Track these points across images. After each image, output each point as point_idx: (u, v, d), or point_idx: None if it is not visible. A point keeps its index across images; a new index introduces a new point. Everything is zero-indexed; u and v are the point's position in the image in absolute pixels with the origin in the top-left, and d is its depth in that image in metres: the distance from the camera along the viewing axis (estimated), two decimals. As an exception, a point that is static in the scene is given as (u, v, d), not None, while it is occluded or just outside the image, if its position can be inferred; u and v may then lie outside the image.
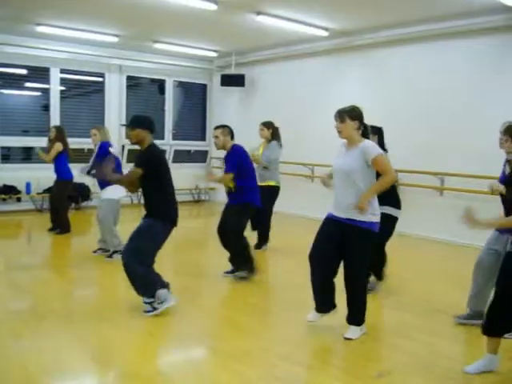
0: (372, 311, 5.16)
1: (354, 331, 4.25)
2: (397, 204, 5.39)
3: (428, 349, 4.14)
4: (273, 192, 7.22)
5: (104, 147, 6.78)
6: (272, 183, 7.21)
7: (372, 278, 5.45)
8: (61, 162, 8.17)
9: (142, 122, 4.72)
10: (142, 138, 4.67)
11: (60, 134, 8.19)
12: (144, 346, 4.13)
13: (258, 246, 7.38)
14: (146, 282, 4.64)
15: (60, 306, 5.08)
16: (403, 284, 5.82)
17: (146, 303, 4.66)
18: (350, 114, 4.11)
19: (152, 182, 4.64)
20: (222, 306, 5.27)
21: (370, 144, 4.15)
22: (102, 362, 3.80)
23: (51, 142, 8.17)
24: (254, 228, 7.32)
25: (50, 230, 8.38)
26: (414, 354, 4.04)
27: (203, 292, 5.65)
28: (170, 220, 4.76)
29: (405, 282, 5.90)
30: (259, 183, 7.01)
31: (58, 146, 8.08)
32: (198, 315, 4.85)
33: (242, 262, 5.93)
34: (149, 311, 4.66)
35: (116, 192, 6.43)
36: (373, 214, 4.10)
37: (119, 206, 6.76)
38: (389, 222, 5.13)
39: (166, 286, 4.73)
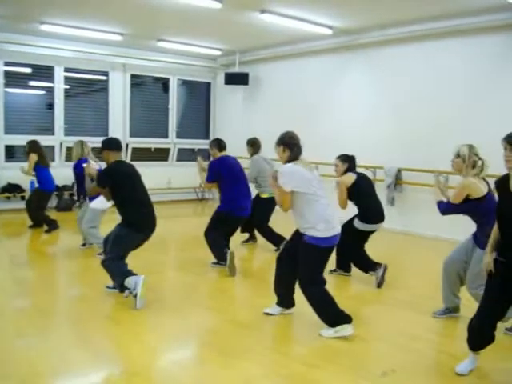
0: (377, 310, 5.17)
1: (326, 330, 4.28)
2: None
3: (433, 347, 4.14)
4: (264, 203, 7.27)
5: (78, 166, 7.01)
6: (265, 195, 7.30)
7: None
8: (41, 173, 8.33)
9: (103, 143, 5.27)
10: (106, 158, 5.20)
11: (33, 147, 8.36)
12: (147, 344, 4.13)
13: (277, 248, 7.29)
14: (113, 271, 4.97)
15: (63, 303, 5.11)
16: (407, 282, 5.82)
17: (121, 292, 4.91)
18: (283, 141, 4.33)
19: (117, 195, 5.04)
20: (225, 304, 5.26)
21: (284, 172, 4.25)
22: (105, 359, 3.82)
23: (27, 155, 8.38)
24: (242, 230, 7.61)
25: (31, 226, 8.65)
26: (419, 352, 4.04)
27: (206, 290, 5.66)
28: (137, 229, 5.01)
29: (409, 280, 5.90)
30: (259, 195, 7.38)
31: (33, 157, 8.25)
32: (202, 313, 4.86)
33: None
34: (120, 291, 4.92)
35: (103, 203, 6.55)
36: (314, 228, 4.17)
37: (102, 214, 6.87)
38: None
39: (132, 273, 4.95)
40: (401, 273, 5.74)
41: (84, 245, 7.24)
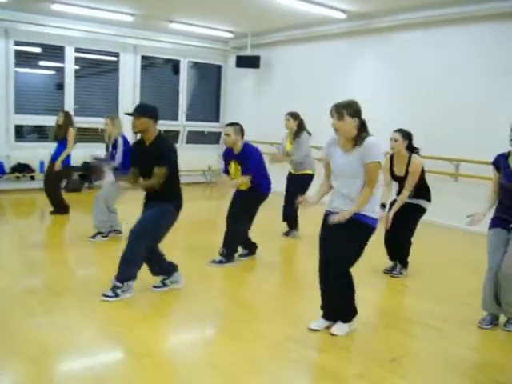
0: (387, 298, 5.17)
1: (341, 328, 4.05)
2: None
3: (441, 335, 4.13)
4: (309, 180, 7.12)
5: (127, 141, 6.62)
6: (309, 172, 7.12)
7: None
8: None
9: (147, 110, 4.60)
10: (146, 127, 4.57)
11: (69, 119, 8.12)
12: (155, 325, 4.14)
13: (287, 233, 7.38)
14: (130, 270, 4.58)
15: (73, 283, 5.12)
16: (417, 271, 5.80)
17: (113, 287, 4.57)
18: (349, 111, 3.82)
19: (170, 172, 4.56)
20: (233, 288, 5.28)
21: (376, 144, 3.84)
22: (115, 340, 3.83)
23: (60, 127, 8.05)
24: (284, 219, 7.38)
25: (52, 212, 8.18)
26: (428, 340, 4.04)
27: (215, 273, 5.65)
28: (180, 207, 4.73)
29: (419, 268, 5.87)
30: (296, 173, 7.16)
31: (72, 132, 7.99)
32: (210, 296, 4.86)
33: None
34: (156, 287, 4.78)
35: None
36: (372, 208, 3.90)
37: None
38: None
39: (176, 268, 4.88)
40: (411, 261, 5.70)
41: (116, 231, 6.88)
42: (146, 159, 4.59)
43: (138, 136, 4.76)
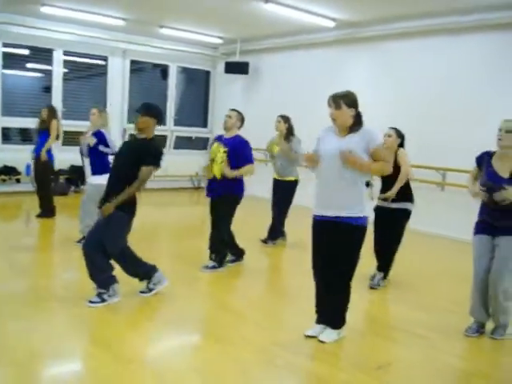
0: (375, 306, 5.19)
1: (329, 335, 4.01)
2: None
3: (428, 343, 4.15)
4: (293, 186, 7.07)
5: (100, 135, 6.53)
6: (293, 178, 7.06)
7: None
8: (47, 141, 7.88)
9: (150, 109, 4.68)
10: (147, 125, 4.61)
11: (53, 113, 8.02)
12: (142, 331, 4.12)
13: (266, 240, 7.21)
14: (105, 277, 4.55)
15: (59, 288, 5.09)
16: (405, 279, 5.82)
17: (98, 293, 4.53)
18: (346, 100, 3.91)
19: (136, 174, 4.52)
20: (221, 293, 5.26)
21: (373, 129, 3.98)
22: (101, 345, 3.79)
23: (44, 122, 7.93)
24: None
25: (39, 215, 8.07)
26: (414, 348, 4.06)
27: (203, 278, 5.63)
28: (134, 215, 4.64)
29: (407, 277, 5.90)
30: (280, 179, 7.11)
31: (55, 123, 7.87)
32: (197, 301, 4.86)
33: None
34: (143, 292, 4.74)
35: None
36: (363, 208, 3.90)
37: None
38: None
39: (155, 269, 4.81)
40: (398, 269, 5.73)
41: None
42: (130, 153, 4.61)
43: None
